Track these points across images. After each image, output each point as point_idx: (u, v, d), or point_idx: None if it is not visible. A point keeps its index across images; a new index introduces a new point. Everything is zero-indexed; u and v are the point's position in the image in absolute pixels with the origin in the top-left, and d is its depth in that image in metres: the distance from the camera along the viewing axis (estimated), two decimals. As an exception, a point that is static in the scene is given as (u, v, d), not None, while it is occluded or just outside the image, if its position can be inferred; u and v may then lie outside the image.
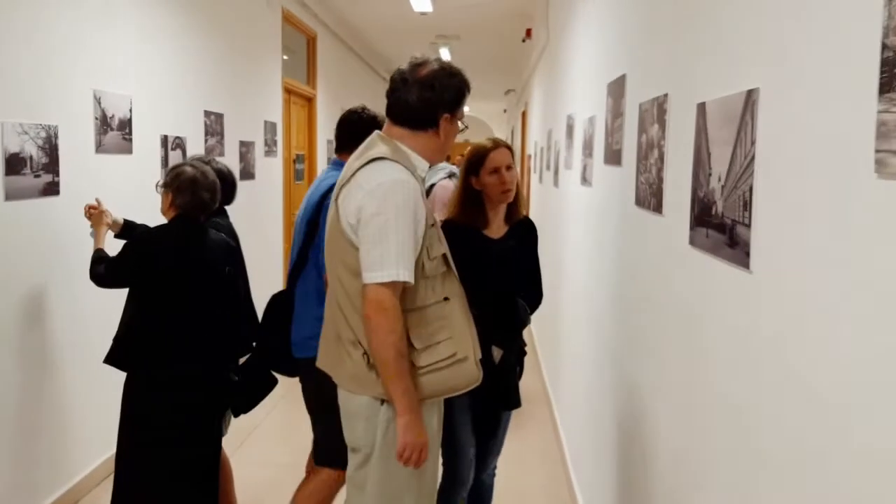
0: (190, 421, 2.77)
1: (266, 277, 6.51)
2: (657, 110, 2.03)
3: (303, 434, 3.23)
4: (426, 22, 9.28)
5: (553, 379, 5.02)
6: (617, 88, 2.69)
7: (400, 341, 1.96)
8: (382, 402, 2.03)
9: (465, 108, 2.21)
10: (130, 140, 3.99)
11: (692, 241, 1.65)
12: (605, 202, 2.94)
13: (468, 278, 2.22)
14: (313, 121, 8.50)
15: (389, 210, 1.95)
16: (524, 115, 11.19)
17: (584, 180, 3.59)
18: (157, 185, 2.86)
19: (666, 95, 1.94)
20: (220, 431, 2.93)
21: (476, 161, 2.66)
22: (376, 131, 2.18)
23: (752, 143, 1.28)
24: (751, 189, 1.29)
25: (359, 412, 2.07)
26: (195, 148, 4.93)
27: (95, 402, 3.59)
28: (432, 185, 5.18)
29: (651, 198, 2.07)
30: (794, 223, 1.14)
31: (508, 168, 2.64)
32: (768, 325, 1.24)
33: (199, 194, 2.75)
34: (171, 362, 2.71)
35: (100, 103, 3.64)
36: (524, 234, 2.78)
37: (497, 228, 2.71)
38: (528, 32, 9.21)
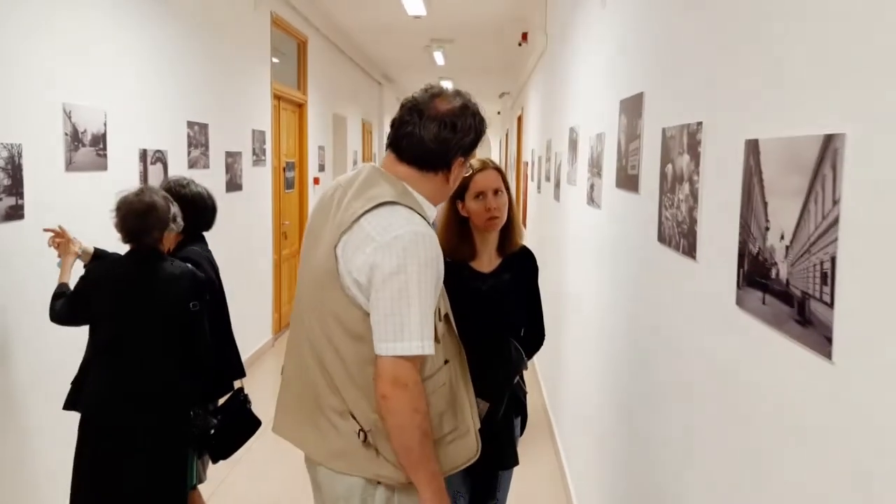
0: (148, 474, 2.50)
1: (253, 293, 6.25)
2: (688, 139, 1.77)
3: (288, 467, 2.97)
4: (420, 25, 9.03)
5: (556, 409, 4.76)
6: (633, 107, 2.44)
7: (425, 421, 1.70)
8: (378, 482, 1.76)
9: None
10: (105, 156, 3.72)
11: (741, 303, 1.39)
12: (620, 230, 2.68)
13: (454, 320, 1.95)
14: (304, 127, 8.23)
15: (411, 269, 1.66)
16: (520, 119, 10.94)
17: (592, 201, 3.33)
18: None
19: (700, 124, 1.69)
20: (184, 484, 2.65)
21: (461, 184, 2.39)
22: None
23: (835, 202, 1.03)
24: (833, 260, 1.03)
25: (350, 494, 1.78)
26: (177, 161, 4.67)
27: (60, 448, 3.32)
28: None
29: (680, 238, 1.82)
30: (888, 313, 0.89)
31: (496, 192, 2.36)
32: (852, 432, 0.99)
33: (127, 219, 2.52)
34: (119, 411, 2.46)
35: (70, 118, 3.37)
36: (521, 266, 2.49)
37: (488, 261, 2.43)
38: (524, 36, 8.97)
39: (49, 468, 3.25)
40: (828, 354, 1.05)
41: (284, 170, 7.49)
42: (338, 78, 10.09)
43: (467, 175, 2.34)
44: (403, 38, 10.23)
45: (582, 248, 3.67)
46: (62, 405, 2.55)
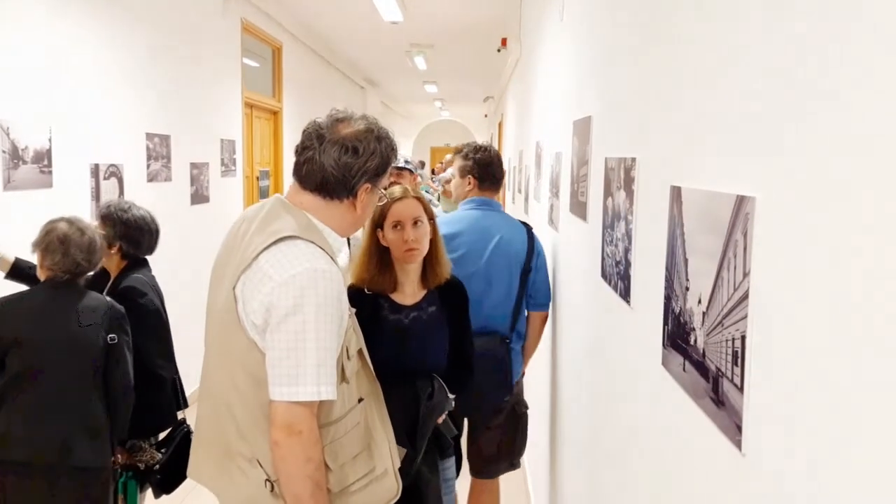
0: None
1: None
2: (624, 175, 1.65)
3: None
4: (398, 30, 8.89)
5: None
6: (583, 130, 2.32)
7: (317, 471, 1.58)
8: None
9: (388, 177, 1.81)
10: (50, 172, 3.58)
11: (665, 363, 1.27)
12: (573, 257, 2.56)
13: (371, 357, 1.84)
14: (279, 135, 8.09)
15: (308, 310, 1.55)
16: (500, 126, 10.83)
17: (551, 221, 3.22)
18: (32, 246, 2.47)
19: (634, 160, 1.57)
20: None
21: (379, 212, 2.24)
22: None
23: (745, 274, 0.91)
24: (743, 339, 0.91)
25: None
26: (134, 175, 4.52)
27: None
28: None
29: (618, 280, 1.70)
30: (800, 404, 0.77)
31: (416, 223, 2.23)
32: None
33: (71, 255, 2.37)
34: (39, 450, 2.32)
35: (8, 135, 3.23)
36: (448, 298, 2.35)
37: (412, 292, 2.30)
38: (504, 42, 8.86)
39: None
40: (738, 444, 0.93)
41: (258, 179, 7.36)
42: (316, 84, 9.94)
43: (385, 203, 2.22)
44: (382, 43, 10.09)
45: (552, 269, 3.54)
46: None
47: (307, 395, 1.55)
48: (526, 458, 4.09)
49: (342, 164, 1.68)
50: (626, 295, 1.62)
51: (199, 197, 5.58)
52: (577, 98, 2.54)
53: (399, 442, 2.14)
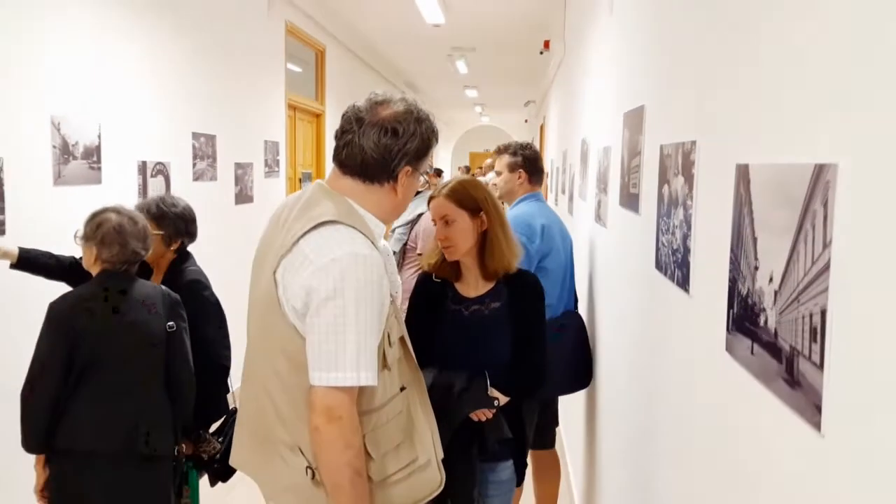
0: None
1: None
2: (682, 160, 1.61)
3: None
4: (440, 33, 8.90)
5: (568, 435, 4.58)
6: (635, 121, 2.27)
7: (357, 458, 1.56)
8: None
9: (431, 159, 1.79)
10: (99, 168, 3.62)
11: (730, 349, 1.23)
12: (623, 252, 2.51)
13: (423, 349, 1.85)
14: (321, 137, 8.14)
15: (348, 294, 1.53)
16: (542, 128, 10.77)
17: (599, 218, 3.17)
18: (75, 237, 2.46)
19: (693, 143, 1.52)
20: None
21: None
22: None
23: (826, 245, 0.87)
24: (822, 314, 0.87)
25: None
26: (181, 173, 4.57)
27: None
28: (419, 215, 4.77)
29: (676, 269, 1.65)
30: (884, 380, 0.73)
31: (447, 222, 2.22)
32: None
33: (129, 245, 2.36)
34: (107, 440, 2.31)
35: (59, 130, 3.28)
36: (516, 293, 2.28)
37: (475, 285, 2.27)
38: (546, 44, 8.79)
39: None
40: (816, 424, 0.88)
41: (301, 180, 7.40)
42: (358, 87, 9.98)
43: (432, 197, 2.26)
44: (424, 46, 10.11)
45: (589, 270, 3.49)
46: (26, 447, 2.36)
47: (347, 380, 1.53)
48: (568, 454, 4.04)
49: (382, 146, 1.66)
50: (684, 283, 1.57)
51: (243, 197, 5.63)
52: (629, 89, 2.49)
53: None
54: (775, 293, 1.02)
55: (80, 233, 2.43)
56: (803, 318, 0.92)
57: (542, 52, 9.20)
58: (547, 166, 9.15)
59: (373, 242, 1.63)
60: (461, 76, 12.69)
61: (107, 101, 3.71)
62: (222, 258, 4.84)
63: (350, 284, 1.53)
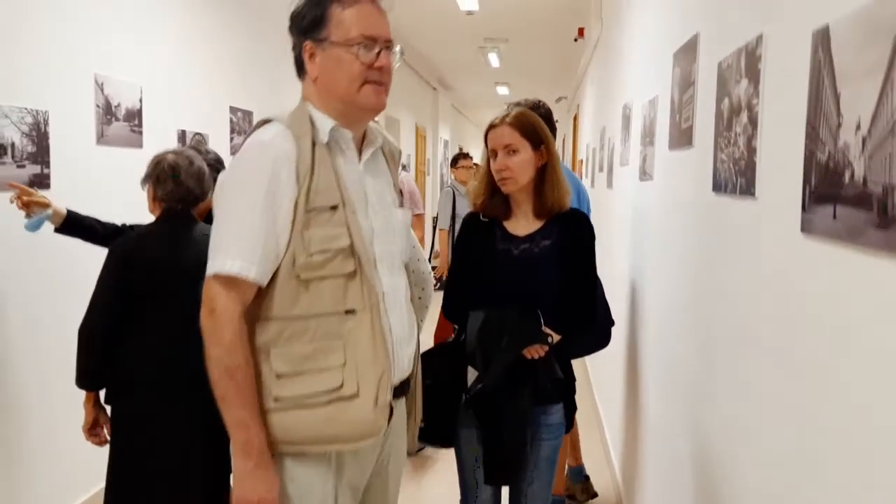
0: (181, 462, 2.31)
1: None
2: (746, 61, 1.56)
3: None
4: (473, 22, 8.88)
5: (605, 402, 4.52)
6: (687, 54, 2.22)
7: (228, 356, 1.46)
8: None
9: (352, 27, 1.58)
10: (140, 132, 3.64)
11: (806, 228, 1.17)
12: (671, 194, 2.46)
13: (474, 285, 1.85)
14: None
15: (234, 179, 1.53)
16: (575, 118, 10.72)
17: (644, 173, 3.11)
18: (141, 182, 2.44)
19: (759, 37, 1.47)
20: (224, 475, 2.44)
21: (485, 140, 2.24)
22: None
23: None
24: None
25: None
26: (219, 146, 4.58)
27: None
28: None
29: (738, 178, 1.59)
30: None
31: (509, 151, 2.14)
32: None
33: (183, 182, 2.35)
34: (174, 389, 2.28)
35: (102, 89, 3.29)
36: (567, 232, 2.18)
37: (525, 223, 2.20)
38: (581, 32, 8.75)
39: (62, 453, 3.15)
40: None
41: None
42: (393, 81, 9.97)
43: (487, 130, 2.22)
44: (457, 37, 10.09)
45: (634, 227, 3.44)
46: (89, 388, 2.35)
47: (214, 266, 1.48)
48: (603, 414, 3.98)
49: (293, 37, 1.66)
50: (748, 189, 1.51)
51: (279, 176, 5.63)
52: (679, 25, 2.44)
53: (472, 363, 2.09)
54: (864, 139, 0.97)
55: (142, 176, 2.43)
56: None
57: (576, 40, 9.15)
58: (581, 153, 9.09)
59: (301, 136, 1.53)
60: (492, 71, 12.66)
61: (148, 66, 3.73)
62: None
63: (236, 171, 1.54)
